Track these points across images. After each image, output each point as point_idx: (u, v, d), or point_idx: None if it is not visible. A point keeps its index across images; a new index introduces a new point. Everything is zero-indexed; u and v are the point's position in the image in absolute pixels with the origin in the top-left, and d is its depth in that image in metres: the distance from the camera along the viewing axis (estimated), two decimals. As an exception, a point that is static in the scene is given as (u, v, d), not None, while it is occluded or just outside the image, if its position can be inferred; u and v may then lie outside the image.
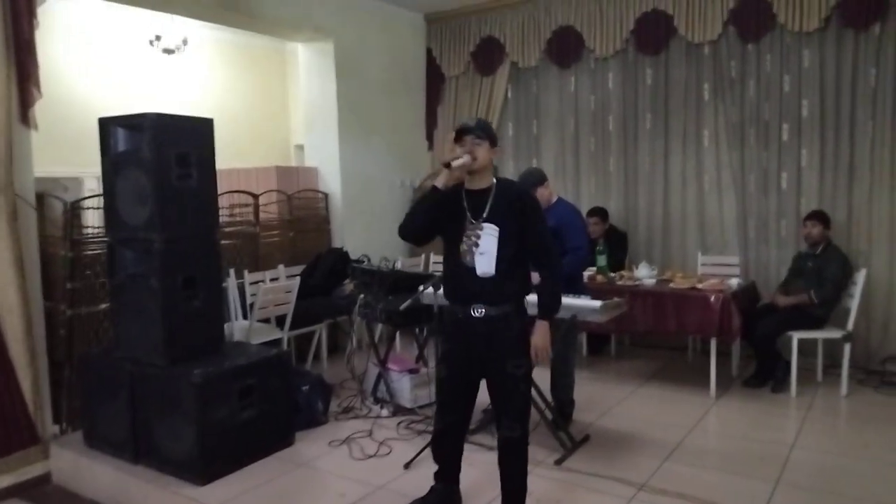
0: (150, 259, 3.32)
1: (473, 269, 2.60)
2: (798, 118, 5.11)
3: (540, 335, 2.67)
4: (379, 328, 4.98)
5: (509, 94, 6.53)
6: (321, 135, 6.10)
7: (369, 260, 4.69)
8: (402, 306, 3.59)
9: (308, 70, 6.16)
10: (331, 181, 6.08)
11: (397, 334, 5.43)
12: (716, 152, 5.49)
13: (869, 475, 3.22)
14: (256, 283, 4.87)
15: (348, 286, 5.06)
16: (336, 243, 5.93)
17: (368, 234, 6.16)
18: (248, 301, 4.71)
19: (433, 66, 6.86)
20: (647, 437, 3.73)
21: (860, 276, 4.45)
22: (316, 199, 6.01)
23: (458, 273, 2.64)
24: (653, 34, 5.58)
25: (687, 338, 5.31)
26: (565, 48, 6.05)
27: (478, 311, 2.61)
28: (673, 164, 5.68)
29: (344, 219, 6.05)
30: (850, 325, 4.36)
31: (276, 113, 7.88)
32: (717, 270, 5.22)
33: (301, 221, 5.78)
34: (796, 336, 4.36)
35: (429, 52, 6.88)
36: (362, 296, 4.30)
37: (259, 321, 4.56)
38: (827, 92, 4.98)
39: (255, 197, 5.37)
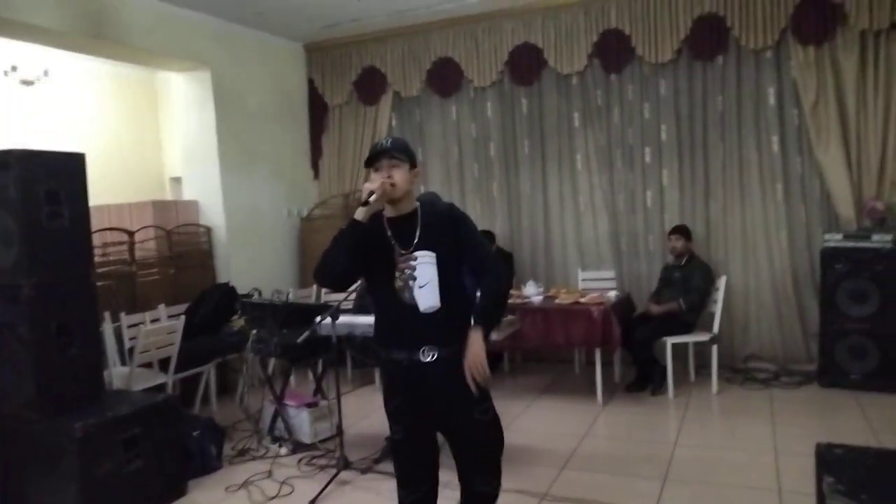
0: (18, 307, 3.06)
1: (415, 305, 2.25)
2: (658, 142, 5.59)
3: (475, 346, 2.24)
4: (272, 363, 4.84)
5: (393, 123, 6.64)
6: (201, 166, 5.89)
7: (260, 293, 4.58)
8: (300, 339, 3.53)
9: (185, 100, 5.95)
10: (213, 214, 5.87)
11: (292, 369, 5.29)
12: (588, 175, 5.88)
13: (744, 464, 3.55)
14: (135, 325, 4.58)
15: (237, 322, 4.89)
16: (221, 278, 5.71)
17: (256, 266, 6.00)
18: (127, 345, 4.43)
19: (316, 95, 6.84)
20: (544, 448, 3.89)
21: (721, 283, 4.91)
22: (197, 233, 5.78)
23: (397, 313, 2.28)
24: (526, 66, 5.91)
25: (573, 350, 5.59)
26: (445, 79, 6.26)
27: (428, 355, 2.26)
28: (551, 187, 6.01)
29: (229, 252, 5.84)
30: (716, 328, 4.79)
31: (148, 145, 7.49)
32: (596, 285, 5.56)
33: (182, 258, 5.52)
34: (670, 341, 4.73)
35: (310, 81, 6.86)
36: (255, 331, 4.17)
37: (140, 366, 4.29)
38: (682, 118, 5.50)
39: (131, 234, 5.08)
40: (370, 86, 6.56)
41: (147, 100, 7.36)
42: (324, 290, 6.07)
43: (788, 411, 4.32)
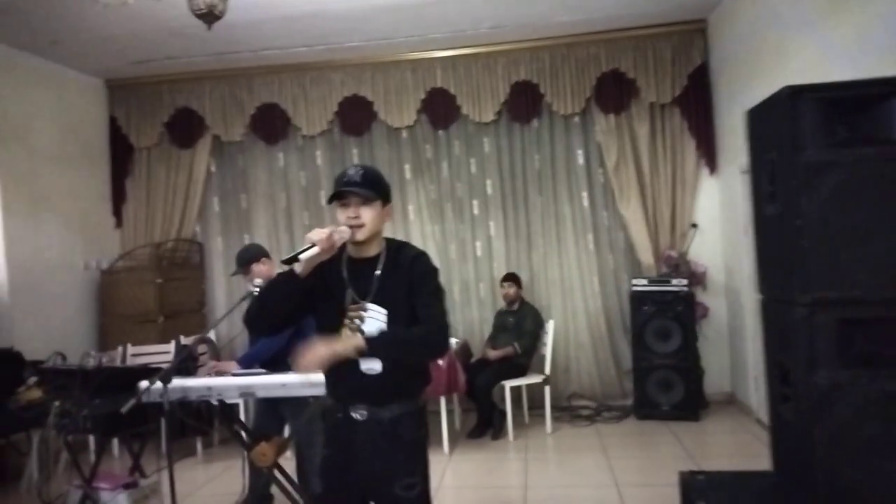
0: None
1: (356, 362, 2.02)
2: (485, 195, 5.90)
3: (344, 342, 2.02)
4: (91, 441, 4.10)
5: (213, 168, 6.22)
6: (-26, 212, 4.96)
7: (64, 358, 3.89)
8: (125, 407, 3.02)
9: (-47, 133, 5.02)
10: (-10, 268, 4.95)
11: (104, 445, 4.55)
12: (420, 225, 5.99)
13: (593, 499, 3.71)
14: None
15: (26, 394, 4.09)
16: (2, 343, 4.78)
17: (46, 327, 5.15)
18: None
19: (119, 135, 6.18)
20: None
21: (549, 327, 5.23)
22: (-32, 290, 4.81)
23: (339, 367, 2.04)
24: (357, 117, 5.92)
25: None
26: (271, 125, 6.04)
27: (359, 413, 2.06)
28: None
29: (12, 312, 4.94)
30: (548, 370, 5.06)
31: None
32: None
33: (-53, 320, 4.55)
34: (508, 384, 4.89)
35: (113, 120, 6.20)
36: (57, 403, 3.51)
37: None
38: (504, 173, 5.87)
39: None
40: (185, 128, 6.10)
41: None
42: (129, 353, 5.41)
43: (616, 444, 4.66)
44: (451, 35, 5.44)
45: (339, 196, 2.04)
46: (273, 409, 3.59)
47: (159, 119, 6.11)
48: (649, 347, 5.22)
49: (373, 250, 2.11)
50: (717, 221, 5.60)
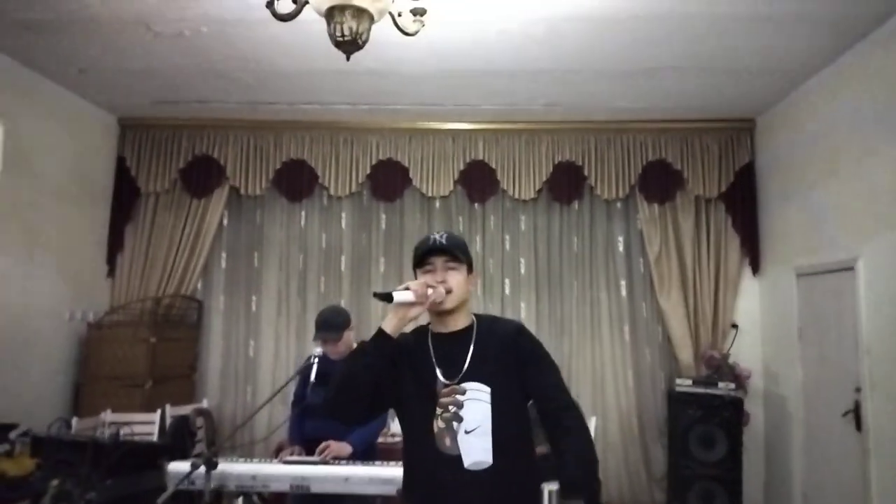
0: None
1: (458, 457, 1.72)
2: (518, 274, 5.59)
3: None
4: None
5: (226, 221, 5.77)
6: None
7: (69, 426, 3.29)
8: (161, 498, 2.47)
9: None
10: (-32, 309, 4.33)
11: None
12: (446, 301, 5.60)
13: None
14: None
15: (14, 465, 3.43)
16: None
17: (22, 382, 4.48)
18: None
19: (126, 177, 5.70)
20: None
21: (591, 424, 4.81)
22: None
23: (433, 466, 1.74)
24: (390, 182, 5.62)
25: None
26: (296, 182, 5.67)
27: None
28: (406, 311, 5.58)
29: (-11, 363, 4.29)
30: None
31: None
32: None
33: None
34: (546, 488, 4.40)
35: (121, 160, 5.73)
36: (55, 482, 2.91)
37: None
38: (540, 253, 5.59)
39: None
40: (202, 177, 5.68)
41: None
42: (107, 420, 4.72)
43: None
44: (498, 108, 5.26)
45: (422, 262, 1.85)
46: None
47: (174, 164, 5.68)
48: (692, 455, 4.84)
49: (461, 322, 1.88)
50: (758, 324, 5.40)
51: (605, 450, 5.35)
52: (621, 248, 5.57)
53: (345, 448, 3.08)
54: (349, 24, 2.21)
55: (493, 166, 5.56)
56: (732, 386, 4.88)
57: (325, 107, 5.32)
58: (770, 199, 5.28)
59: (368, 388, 1.76)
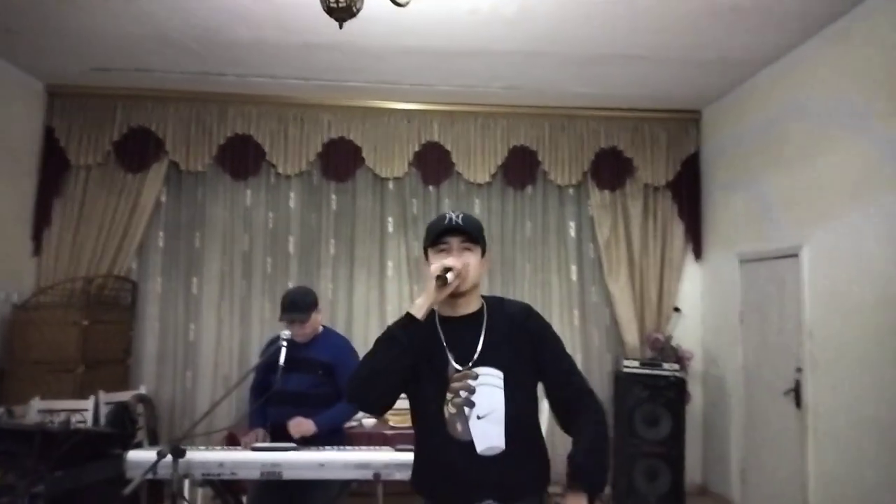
0: None
1: (470, 443, 1.69)
2: (471, 258, 5.56)
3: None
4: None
5: (163, 198, 5.45)
6: None
7: (11, 414, 3.02)
8: (128, 489, 2.30)
9: None
10: None
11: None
12: (398, 283, 5.53)
13: None
14: None
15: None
16: None
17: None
18: None
19: (55, 149, 5.27)
20: None
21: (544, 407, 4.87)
22: None
23: (444, 452, 1.71)
24: (342, 161, 5.46)
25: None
26: (242, 158, 5.42)
27: None
28: (357, 292, 5.48)
29: None
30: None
31: None
32: (399, 404, 5.06)
33: None
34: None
35: (49, 131, 5.30)
36: (-3, 475, 2.67)
37: None
38: (493, 237, 5.58)
39: None
40: (138, 150, 5.34)
41: None
42: (36, 408, 4.39)
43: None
44: (455, 89, 5.20)
45: (437, 240, 1.79)
46: (283, 497, 2.91)
47: (108, 136, 5.30)
48: (637, 433, 4.99)
49: (472, 306, 1.84)
50: (699, 308, 5.61)
51: (552, 428, 5.42)
52: (573, 232, 5.65)
53: (308, 425, 2.98)
54: (345, -10, 2.09)
55: (448, 148, 5.50)
56: (676, 367, 5.05)
57: (276, 80, 5.10)
58: (714, 189, 5.49)
59: (399, 378, 1.71)
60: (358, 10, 2.21)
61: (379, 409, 1.81)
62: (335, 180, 5.50)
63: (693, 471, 5.43)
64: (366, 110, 5.47)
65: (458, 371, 1.74)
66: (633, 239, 5.55)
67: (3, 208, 4.93)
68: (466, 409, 1.71)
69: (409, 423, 4.01)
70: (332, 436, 3.06)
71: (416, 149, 5.49)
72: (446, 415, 1.72)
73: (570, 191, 5.66)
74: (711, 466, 5.43)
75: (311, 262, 5.47)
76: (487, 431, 1.70)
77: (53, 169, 5.27)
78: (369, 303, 5.49)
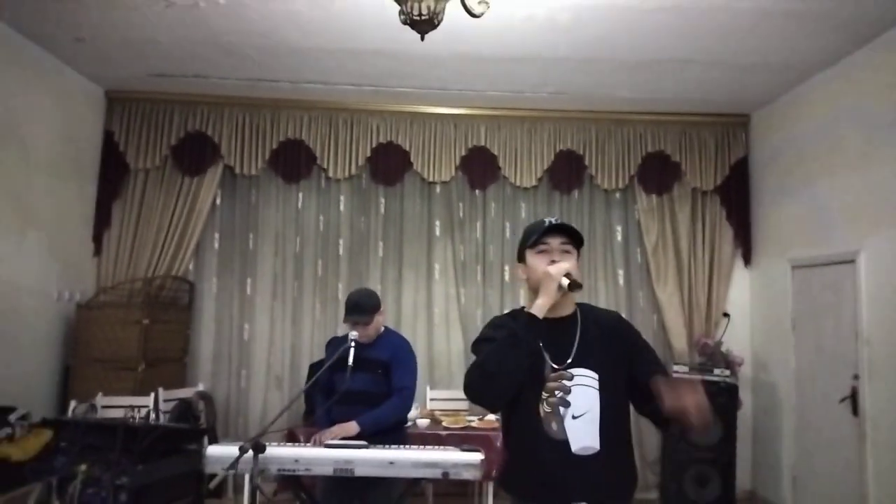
0: None
1: (565, 442, 1.71)
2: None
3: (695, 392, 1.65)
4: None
5: (219, 201, 5.60)
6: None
7: (94, 409, 3.16)
8: (214, 482, 2.40)
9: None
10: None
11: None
12: (445, 286, 5.60)
13: None
14: None
15: (18, 449, 3.27)
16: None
17: (11, 369, 4.29)
18: None
19: (115, 152, 5.46)
20: None
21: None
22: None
23: (538, 451, 1.72)
24: (391, 166, 5.55)
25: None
26: (294, 162, 5.55)
27: None
28: (405, 295, 5.57)
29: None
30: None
31: None
32: (447, 406, 5.14)
33: None
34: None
35: (109, 135, 5.49)
36: (83, 467, 2.80)
37: None
38: (540, 241, 5.62)
39: None
40: (195, 154, 5.49)
41: None
42: (99, 405, 4.54)
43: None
44: (503, 94, 5.25)
45: (536, 241, 1.87)
46: (352, 494, 2.99)
47: (165, 140, 5.48)
48: (687, 439, 4.97)
49: (568, 308, 1.88)
50: (747, 314, 5.57)
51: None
52: (619, 237, 5.65)
53: (351, 427, 3.05)
54: (427, 3, 2.17)
55: (495, 153, 5.55)
56: (728, 373, 5.02)
57: (327, 86, 5.21)
58: (764, 193, 5.44)
59: (517, 378, 1.73)
60: (439, 22, 2.28)
61: (501, 405, 1.85)
62: (384, 184, 5.60)
63: (742, 476, 5.38)
64: (413, 115, 5.56)
65: (554, 369, 1.77)
66: (680, 244, 5.53)
67: (68, 210, 5.12)
68: (562, 409, 1.74)
69: (461, 424, 4.09)
70: (396, 434, 3.14)
71: (463, 153, 5.55)
72: (542, 413, 1.75)
73: (617, 195, 5.67)
74: (761, 472, 5.38)
75: (361, 264, 5.57)
76: (582, 431, 1.73)
77: (113, 172, 5.46)
78: (417, 304, 5.57)
